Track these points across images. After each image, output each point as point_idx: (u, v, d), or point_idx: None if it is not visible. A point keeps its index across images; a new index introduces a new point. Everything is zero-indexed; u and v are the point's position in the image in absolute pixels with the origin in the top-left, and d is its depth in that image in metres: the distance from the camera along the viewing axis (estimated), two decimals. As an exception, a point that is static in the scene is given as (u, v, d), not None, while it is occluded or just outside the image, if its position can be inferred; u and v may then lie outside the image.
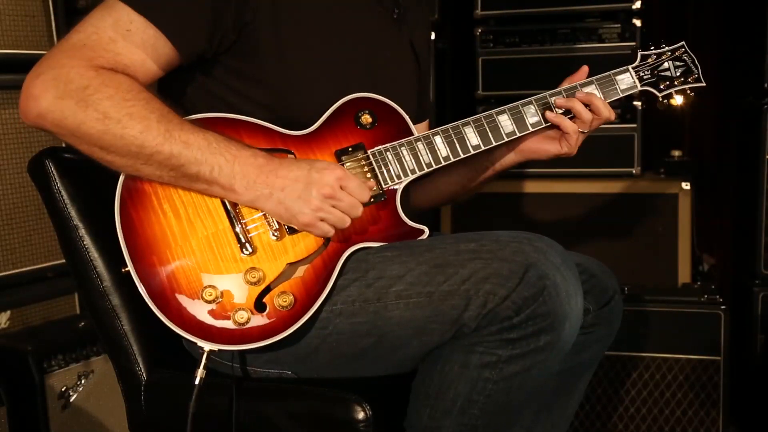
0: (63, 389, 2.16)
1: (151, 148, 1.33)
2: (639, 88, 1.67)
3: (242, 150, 1.38)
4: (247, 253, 1.41)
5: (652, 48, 1.70)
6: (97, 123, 1.32)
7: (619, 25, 2.71)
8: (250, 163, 1.37)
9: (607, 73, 1.65)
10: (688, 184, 2.69)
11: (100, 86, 1.32)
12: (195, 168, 1.35)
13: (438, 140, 1.55)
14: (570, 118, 1.61)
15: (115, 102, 1.32)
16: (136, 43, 1.37)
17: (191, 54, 1.42)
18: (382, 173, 1.51)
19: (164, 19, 1.38)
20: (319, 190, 1.37)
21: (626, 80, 1.65)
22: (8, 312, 2.32)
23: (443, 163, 1.55)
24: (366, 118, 1.52)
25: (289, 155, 1.47)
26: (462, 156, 1.56)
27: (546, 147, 1.67)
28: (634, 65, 1.67)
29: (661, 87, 1.68)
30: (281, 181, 1.37)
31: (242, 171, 1.37)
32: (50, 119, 1.33)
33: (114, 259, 1.47)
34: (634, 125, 2.73)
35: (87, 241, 1.54)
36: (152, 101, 1.35)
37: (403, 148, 1.53)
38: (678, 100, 1.69)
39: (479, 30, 2.82)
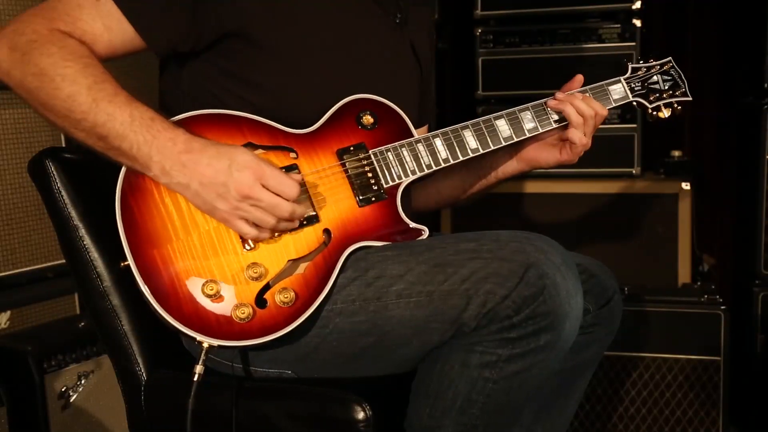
0: (63, 389, 2.16)
1: (78, 113, 1.33)
2: (631, 99, 1.72)
3: (162, 132, 1.35)
4: (249, 248, 1.41)
5: (641, 61, 1.75)
6: (34, 79, 1.33)
7: (619, 26, 2.71)
8: (167, 147, 1.35)
9: (600, 83, 1.69)
10: (688, 184, 2.69)
11: (45, 43, 1.33)
12: (118, 142, 1.34)
13: (438, 142, 1.56)
14: (564, 126, 1.63)
15: (53, 61, 1.33)
16: (101, 14, 1.38)
17: (156, 42, 1.43)
18: (383, 173, 1.51)
19: (131, 3, 1.39)
20: (237, 190, 1.34)
21: (618, 90, 1.70)
22: (8, 312, 2.32)
23: (443, 165, 1.56)
24: (367, 119, 1.53)
25: (278, 151, 1.46)
26: (461, 158, 1.57)
27: (546, 155, 1.69)
28: (625, 76, 1.72)
29: (651, 99, 1.73)
30: (199, 176, 1.35)
31: (158, 154, 1.35)
32: (2, 69, 1.35)
33: (114, 260, 1.46)
34: (634, 125, 2.73)
35: (87, 241, 1.54)
36: (91, 68, 1.35)
37: (403, 149, 1.53)
38: (665, 113, 1.73)
39: (479, 30, 2.82)
